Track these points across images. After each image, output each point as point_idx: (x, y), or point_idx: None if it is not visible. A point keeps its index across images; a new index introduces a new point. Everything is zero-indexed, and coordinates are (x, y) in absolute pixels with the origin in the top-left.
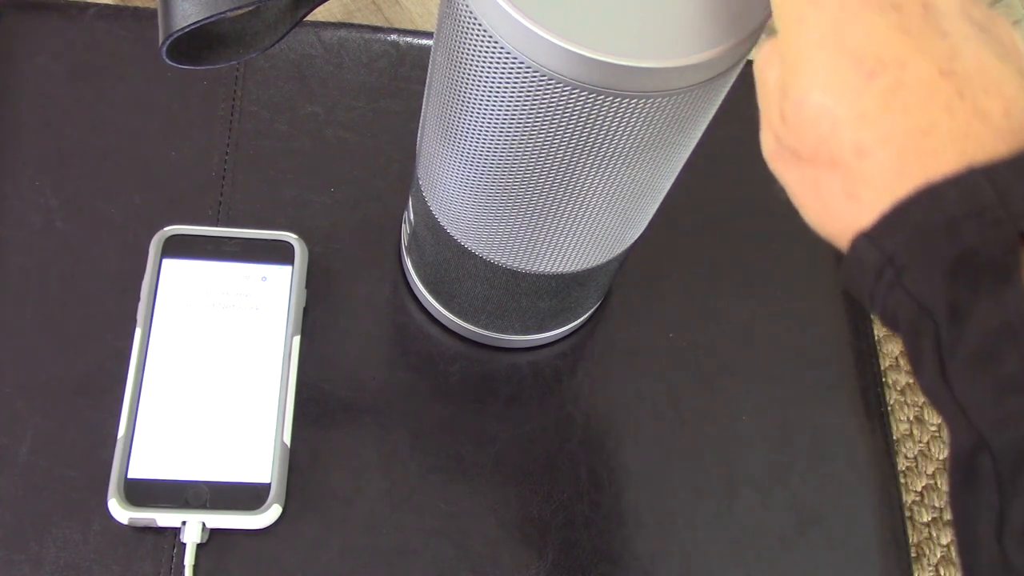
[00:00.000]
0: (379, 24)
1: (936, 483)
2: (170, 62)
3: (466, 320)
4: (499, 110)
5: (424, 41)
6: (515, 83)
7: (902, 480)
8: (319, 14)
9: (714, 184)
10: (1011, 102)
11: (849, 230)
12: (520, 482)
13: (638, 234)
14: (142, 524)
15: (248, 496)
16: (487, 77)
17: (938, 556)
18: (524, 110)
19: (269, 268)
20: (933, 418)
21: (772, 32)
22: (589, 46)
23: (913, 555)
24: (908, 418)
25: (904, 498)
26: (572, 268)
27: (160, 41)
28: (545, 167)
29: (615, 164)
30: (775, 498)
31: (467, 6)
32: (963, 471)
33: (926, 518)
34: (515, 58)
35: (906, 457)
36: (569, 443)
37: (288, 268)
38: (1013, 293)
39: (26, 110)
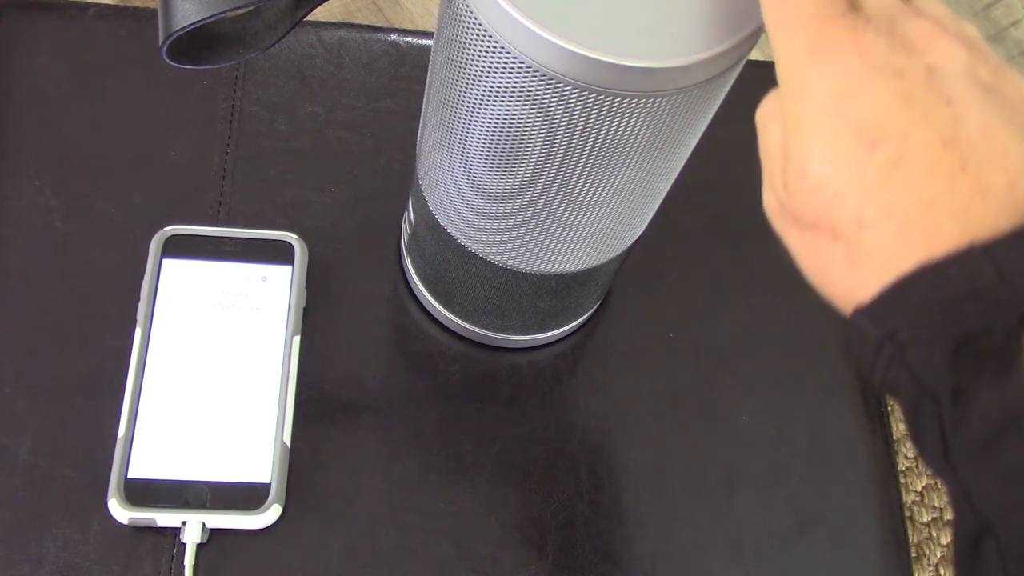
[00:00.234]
0: (379, 24)
1: (936, 483)
2: (170, 62)
3: (466, 320)
4: (499, 110)
5: (424, 41)
6: (515, 83)
7: (902, 480)
8: (319, 14)
9: (714, 184)
10: (1016, 175)
11: (851, 298)
12: (520, 482)
13: (638, 234)
14: (142, 524)
15: (248, 496)
16: (487, 77)
17: (938, 556)
18: (524, 110)
19: (269, 268)
20: None
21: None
22: (589, 46)
23: (913, 555)
24: None
25: (904, 498)
26: (572, 268)
27: (160, 41)
28: (545, 167)
29: (615, 164)
30: (775, 498)
31: (467, 6)
32: (969, 553)
33: (926, 518)
34: (515, 58)
35: (906, 457)
36: (569, 443)
37: (288, 268)
38: (1015, 381)
39: (26, 110)
